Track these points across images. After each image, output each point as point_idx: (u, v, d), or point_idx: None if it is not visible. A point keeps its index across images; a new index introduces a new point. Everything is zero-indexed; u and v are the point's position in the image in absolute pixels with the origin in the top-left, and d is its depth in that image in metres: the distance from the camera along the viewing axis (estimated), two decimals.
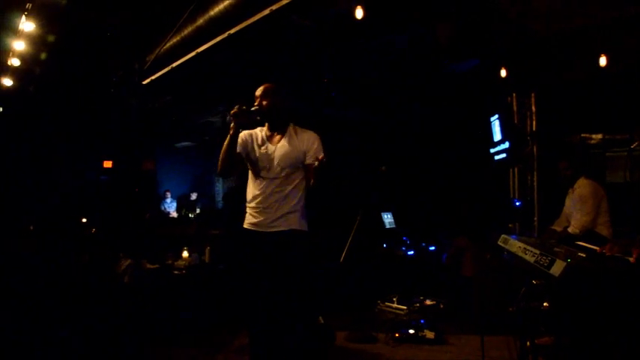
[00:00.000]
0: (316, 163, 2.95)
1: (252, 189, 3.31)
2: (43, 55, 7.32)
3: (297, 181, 3.25)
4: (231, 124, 3.14)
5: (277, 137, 3.31)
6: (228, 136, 3.15)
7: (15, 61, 7.37)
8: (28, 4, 5.97)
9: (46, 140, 9.75)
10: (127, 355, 4.51)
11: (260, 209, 3.23)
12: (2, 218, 7.99)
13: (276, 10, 4.93)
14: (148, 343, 4.72)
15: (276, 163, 3.23)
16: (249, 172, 3.36)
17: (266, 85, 3.30)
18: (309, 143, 3.27)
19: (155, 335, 4.85)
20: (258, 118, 3.24)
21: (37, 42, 6.95)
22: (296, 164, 3.24)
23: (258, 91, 3.28)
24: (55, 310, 4.69)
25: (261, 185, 3.24)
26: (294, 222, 3.21)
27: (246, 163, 3.34)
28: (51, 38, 6.95)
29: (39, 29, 6.53)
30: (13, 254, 5.81)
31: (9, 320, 4.52)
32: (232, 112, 3.11)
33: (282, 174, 3.21)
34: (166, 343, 4.81)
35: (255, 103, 3.23)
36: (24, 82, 8.15)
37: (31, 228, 7.43)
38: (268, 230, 3.21)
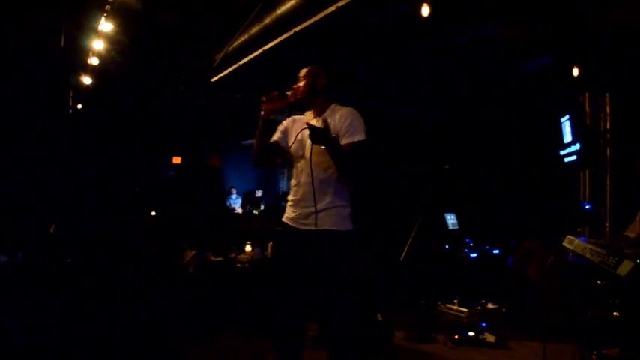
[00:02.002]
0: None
1: (292, 180, 3.00)
2: (118, 55, 7.67)
3: (332, 170, 2.79)
4: (262, 111, 2.92)
5: (314, 120, 2.89)
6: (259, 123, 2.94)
7: (94, 60, 7.77)
8: (107, 6, 6.28)
9: (120, 136, 10.20)
10: (186, 338, 4.66)
11: (294, 202, 2.91)
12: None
13: (342, 6, 4.95)
14: (208, 330, 4.85)
15: (307, 149, 2.85)
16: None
17: (307, 67, 3.02)
18: (341, 121, 2.83)
19: (215, 323, 4.97)
20: (291, 100, 2.92)
21: (114, 42, 7.30)
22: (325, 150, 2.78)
23: (300, 74, 3.03)
24: (127, 292, 4.91)
25: (297, 176, 2.92)
26: (328, 221, 2.78)
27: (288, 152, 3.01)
28: (126, 39, 7.29)
29: (116, 29, 6.86)
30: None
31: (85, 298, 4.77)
32: (262, 97, 2.92)
33: (316, 162, 2.81)
34: (227, 332, 4.93)
35: (294, 86, 2.97)
36: (101, 81, 8.57)
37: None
38: (301, 228, 2.85)
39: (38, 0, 6.80)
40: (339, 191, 2.82)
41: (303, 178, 2.86)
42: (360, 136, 2.76)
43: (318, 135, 2.65)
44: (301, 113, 3.16)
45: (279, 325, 2.88)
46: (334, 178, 2.80)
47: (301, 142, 2.92)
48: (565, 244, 3.05)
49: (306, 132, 2.78)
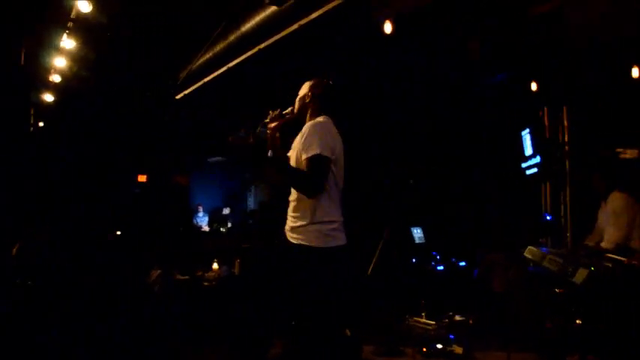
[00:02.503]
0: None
1: None
2: (81, 72, 7.59)
3: None
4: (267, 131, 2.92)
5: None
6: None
7: (56, 78, 7.66)
8: (69, 23, 6.21)
9: (83, 154, 10.03)
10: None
11: (288, 215, 2.90)
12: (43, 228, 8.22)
13: (305, 24, 5.02)
14: (177, 352, 4.78)
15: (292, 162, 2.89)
16: None
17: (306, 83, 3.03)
18: (302, 134, 2.80)
19: (184, 344, 4.91)
20: (291, 117, 2.98)
21: (76, 59, 7.22)
22: (297, 162, 2.79)
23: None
24: (88, 315, 4.80)
25: (289, 192, 2.90)
26: (303, 237, 2.76)
27: None
28: (90, 55, 7.21)
29: (79, 46, 6.79)
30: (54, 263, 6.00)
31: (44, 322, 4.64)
32: (264, 120, 2.94)
33: None
34: (195, 352, 4.87)
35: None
36: (63, 98, 8.45)
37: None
38: (289, 240, 2.85)
39: None
40: (312, 206, 2.76)
41: (289, 195, 2.89)
42: (313, 151, 2.67)
43: (237, 149, 2.78)
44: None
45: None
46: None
47: (293, 156, 2.89)
48: (526, 254, 3.12)
49: (296, 145, 2.84)
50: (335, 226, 2.78)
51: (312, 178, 2.68)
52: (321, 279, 2.75)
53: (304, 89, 3.01)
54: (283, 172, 2.81)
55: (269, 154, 2.88)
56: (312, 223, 2.75)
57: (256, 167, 2.81)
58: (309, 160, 2.67)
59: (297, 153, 2.82)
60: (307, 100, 2.97)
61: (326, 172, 2.72)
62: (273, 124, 2.93)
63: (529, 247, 3.12)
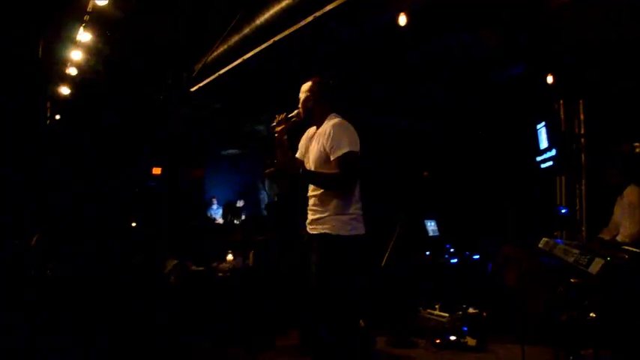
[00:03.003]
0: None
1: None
2: (97, 65, 7.64)
3: None
4: (275, 135, 3.10)
5: (315, 133, 3.12)
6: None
7: (72, 71, 7.72)
8: (85, 16, 6.26)
9: (99, 147, 10.12)
10: (170, 353, 4.64)
11: (308, 209, 3.08)
12: (57, 221, 8.33)
13: (320, 16, 5.02)
14: (192, 342, 4.84)
15: (310, 163, 3.07)
16: None
17: (305, 83, 3.15)
18: (326, 134, 2.95)
19: (199, 334, 4.96)
20: (297, 120, 3.12)
21: (92, 52, 7.27)
22: (322, 161, 2.96)
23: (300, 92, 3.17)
24: (108, 305, 4.87)
25: (309, 186, 3.09)
26: (328, 225, 2.92)
27: None
28: (105, 48, 7.26)
29: (95, 39, 6.83)
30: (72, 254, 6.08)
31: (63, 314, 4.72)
32: (272, 124, 3.11)
33: None
34: (210, 342, 4.92)
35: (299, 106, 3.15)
36: (80, 91, 8.52)
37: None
38: (310, 232, 3.04)
39: (14, 11, 6.73)
40: (339, 199, 2.92)
41: (310, 190, 3.06)
42: (343, 149, 2.84)
43: (276, 179, 3.05)
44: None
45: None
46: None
47: (306, 155, 3.13)
48: (540, 245, 3.11)
49: (309, 144, 3.10)
50: (355, 216, 2.93)
51: (346, 177, 2.88)
52: (347, 264, 2.91)
53: (304, 91, 3.13)
54: (317, 183, 2.99)
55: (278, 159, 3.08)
56: (335, 214, 2.91)
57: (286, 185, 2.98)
58: (343, 157, 2.84)
59: (319, 154, 2.97)
60: (311, 102, 3.09)
61: (357, 167, 2.90)
62: (280, 128, 3.10)
63: (544, 238, 3.11)
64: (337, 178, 2.88)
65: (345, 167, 2.85)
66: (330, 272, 2.88)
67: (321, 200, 2.96)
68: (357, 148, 2.88)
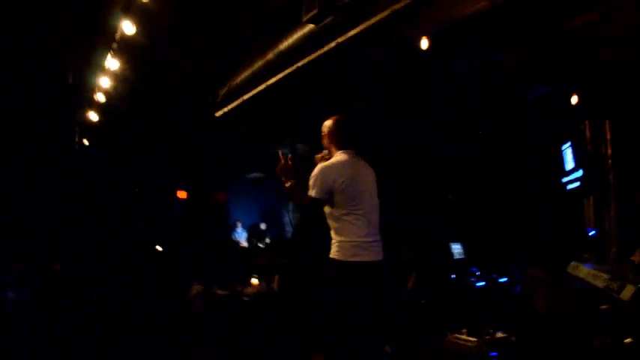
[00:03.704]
0: None
1: None
2: (124, 91, 7.81)
3: (330, 213, 3.26)
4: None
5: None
6: None
7: (100, 97, 7.90)
8: (113, 44, 6.42)
9: (126, 171, 10.28)
10: None
11: None
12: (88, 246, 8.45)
13: (342, 42, 5.07)
14: None
15: None
16: None
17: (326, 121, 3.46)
18: None
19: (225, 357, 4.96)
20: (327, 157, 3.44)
21: (120, 79, 7.44)
22: None
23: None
24: (135, 329, 4.90)
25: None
26: (331, 250, 3.22)
27: None
28: (133, 75, 7.42)
29: (123, 67, 6.99)
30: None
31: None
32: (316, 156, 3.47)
33: None
34: None
35: None
36: (107, 117, 8.70)
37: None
38: None
39: (46, 37, 6.93)
40: (335, 228, 3.24)
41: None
42: (309, 190, 3.21)
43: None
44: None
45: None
46: (327, 217, 3.29)
47: None
48: (570, 270, 3.06)
49: None
50: (355, 243, 3.15)
51: (301, 209, 3.46)
52: (338, 288, 3.14)
53: (323, 130, 3.45)
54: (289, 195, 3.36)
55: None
56: (336, 240, 3.20)
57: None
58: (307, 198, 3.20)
59: None
60: (327, 141, 3.42)
61: (313, 209, 3.25)
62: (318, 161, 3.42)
63: (572, 262, 3.06)
64: (297, 204, 3.42)
65: (305, 203, 3.23)
66: (324, 294, 3.26)
67: (330, 227, 3.29)
68: (315, 194, 3.18)
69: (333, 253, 3.19)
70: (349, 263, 3.12)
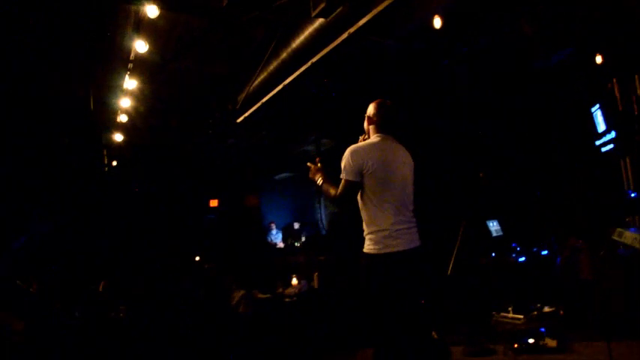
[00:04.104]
0: None
1: None
2: (145, 108, 7.91)
3: (360, 202, 3.21)
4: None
5: None
6: None
7: (123, 118, 8.03)
8: (129, 64, 6.49)
9: (156, 185, 10.43)
10: None
11: None
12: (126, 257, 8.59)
13: (354, 32, 5.02)
14: None
15: None
16: None
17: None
18: None
19: None
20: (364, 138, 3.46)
21: (139, 97, 7.54)
22: None
23: None
24: (181, 341, 4.96)
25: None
26: (364, 245, 3.17)
27: None
28: (151, 91, 7.51)
29: (141, 84, 7.09)
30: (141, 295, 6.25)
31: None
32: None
33: None
34: None
35: None
36: (131, 136, 8.84)
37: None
38: None
39: (64, 67, 7.05)
40: (366, 217, 3.18)
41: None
42: (341, 174, 3.15)
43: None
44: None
45: None
46: (361, 207, 3.21)
47: None
48: (615, 237, 2.97)
49: None
50: (386, 233, 3.08)
51: (336, 197, 3.18)
52: (376, 283, 3.07)
53: (367, 112, 3.41)
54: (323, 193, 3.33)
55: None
56: (368, 233, 3.16)
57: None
58: (341, 182, 3.16)
59: None
60: (367, 123, 3.40)
61: (349, 193, 3.15)
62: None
63: (617, 229, 2.96)
64: (333, 197, 3.21)
65: (339, 191, 3.16)
66: (363, 291, 3.15)
67: (363, 219, 3.23)
68: (347, 176, 3.13)
69: (366, 247, 3.14)
70: (382, 256, 3.06)
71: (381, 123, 3.33)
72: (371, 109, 3.38)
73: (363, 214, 3.19)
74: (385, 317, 3.05)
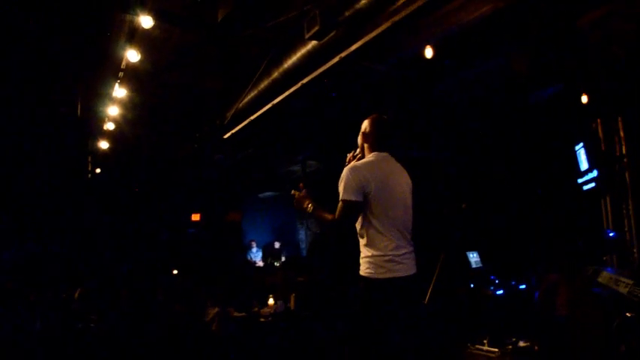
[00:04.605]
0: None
1: None
2: (133, 118, 7.88)
3: (358, 223, 3.03)
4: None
5: None
6: None
7: (110, 126, 7.98)
8: (120, 72, 6.47)
9: (138, 198, 10.35)
10: None
11: None
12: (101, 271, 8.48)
13: (345, 57, 5.06)
14: None
15: None
16: None
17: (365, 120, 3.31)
18: None
19: None
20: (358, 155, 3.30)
21: (128, 107, 7.51)
22: None
23: None
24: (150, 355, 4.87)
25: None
26: (361, 267, 3.00)
27: None
28: (140, 102, 7.49)
29: (130, 94, 7.06)
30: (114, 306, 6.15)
31: None
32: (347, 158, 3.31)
33: None
34: None
35: None
36: (117, 144, 8.78)
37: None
38: None
39: (54, 70, 7.02)
40: (364, 240, 3.00)
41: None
42: (340, 196, 2.95)
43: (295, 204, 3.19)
44: None
45: None
46: (359, 230, 3.03)
47: None
48: (590, 275, 2.98)
49: None
50: (388, 257, 2.91)
51: (335, 222, 2.95)
52: (372, 309, 2.90)
53: (361, 128, 3.23)
54: (317, 220, 3.13)
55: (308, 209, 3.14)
56: (367, 256, 2.96)
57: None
58: (340, 203, 2.95)
59: None
60: (362, 139, 3.21)
61: (350, 215, 2.95)
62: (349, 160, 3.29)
63: (593, 267, 2.98)
64: (331, 222, 2.99)
65: (337, 214, 2.94)
66: (355, 314, 3.01)
67: (360, 242, 3.05)
68: (348, 196, 2.92)
69: (364, 270, 2.96)
70: (383, 281, 2.89)
71: (377, 139, 3.16)
72: (366, 125, 3.21)
73: (363, 237, 3.01)
74: (379, 344, 2.90)
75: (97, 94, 7.36)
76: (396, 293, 2.91)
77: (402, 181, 3.14)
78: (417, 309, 3.12)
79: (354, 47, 4.96)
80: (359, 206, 2.94)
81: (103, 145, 8.78)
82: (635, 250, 6.17)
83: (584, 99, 6.29)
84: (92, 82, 7.13)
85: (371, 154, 3.13)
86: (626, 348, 2.86)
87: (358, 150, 3.26)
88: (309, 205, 3.10)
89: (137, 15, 4.88)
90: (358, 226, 3.02)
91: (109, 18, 5.58)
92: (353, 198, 2.91)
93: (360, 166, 3.02)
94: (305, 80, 5.81)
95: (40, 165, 9.19)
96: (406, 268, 2.96)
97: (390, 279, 2.89)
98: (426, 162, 8.68)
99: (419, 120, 7.76)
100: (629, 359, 2.83)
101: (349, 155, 3.31)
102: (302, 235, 13.27)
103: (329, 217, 2.98)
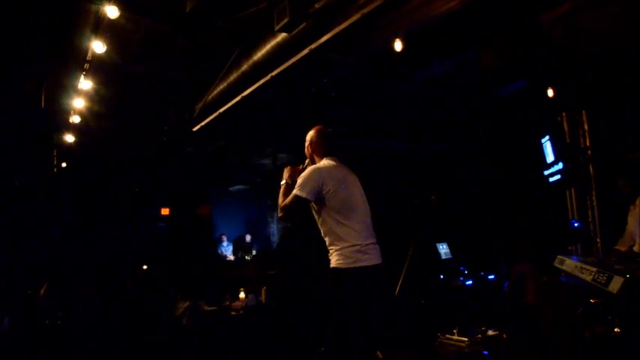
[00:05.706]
0: None
1: None
2: (99, 111, 7.71)
3: (320, 218, 3.26)
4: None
5: None
6: None
7: (76, 119, 7.80)
8: (86, 64, 6.32)
9: (105, 191, 10.17)
10: None
11: None
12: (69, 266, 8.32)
13: (315, 49, 5.05)
14: None
15: None
16: None
17: (309, 132, 3.50)
18: None
19: None
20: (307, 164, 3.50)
21: (94, 99, 7.34)
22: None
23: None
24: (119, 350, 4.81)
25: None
26: (332, 260, 3.19)
27: None
28: (107, 94, 7.33)
29: (96, 87, 6.90)
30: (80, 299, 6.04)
31: None
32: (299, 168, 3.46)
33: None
34: None
35: None
36: (84, 138, 8.59)
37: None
38: None
39: (16, 63, 6.83)
40: (327, 233, 3.24)
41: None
42: (296, 189, 3.18)
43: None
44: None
45: None
46: (321, 223, 3.27)
47: None
48: (556, 264, 3.04)
49: None
50: (357, 248, 3.13)
51: (283, 208, 3.25)
52: (342, 298, 3.10)
53: (306, 140, 3.50)
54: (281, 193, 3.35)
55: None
56: (337, 249, 3.17)
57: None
58: (292, 197, 3.19)
59: None
60: (310, 149, 3.47)
61: (295, 210, 3.22)
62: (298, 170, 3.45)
63: (558, 256, 3.05)
64: (281, 204, 3.27)
65: (288, 203, 3.21)
66: (329, 305, 3.16)
67: (324, 236, 3.28)
68: (302, 193, 3.15)
69: (334, 262, 3.15)
70: (351, 270, 3.09)
71: (325, 148, 3.41)
72: (313, 136, 3.45)
73: (329, 235, 3.21)
74: (348, 329, 3.07)
75: (62, 86, 7.18)
76: (365, 281, 3.11)
77: (355, 181, 3.40)
78: (385, 296, 3.24)
79: (323, 39, 4.95)
80: (305, 204, 3.19)
81: (69, 138, 8.58)
82: (598, 240, 6.34)
83: (550, 93, 6.41)
84: (57, 73, 6.95)
85: (324, 160, 3.38)
86: (590, 333, 2.92)
87: (307, 161, 3.49)
88: (288, 180, 3.36)
89: (102, 5, 4.77)
90: (324, 225, 3.24)
91: (73, 8, 5.44)
92: (304, 195, 3.15)
93: (323, 168, 3.27)
94: (274, 72, 5.78)
95: (2, 158, 8.94)
96: (372, 257, 3.18)
97: (359, 267, 3.09)
98: (395, 154, 8.74)
99: (387, 113, 7.81)
100: (593, 344, 2.90)
101: (298, 168, 3.48)
102: (273, 228, 13.24)
103: (282, 198, 3.27)
